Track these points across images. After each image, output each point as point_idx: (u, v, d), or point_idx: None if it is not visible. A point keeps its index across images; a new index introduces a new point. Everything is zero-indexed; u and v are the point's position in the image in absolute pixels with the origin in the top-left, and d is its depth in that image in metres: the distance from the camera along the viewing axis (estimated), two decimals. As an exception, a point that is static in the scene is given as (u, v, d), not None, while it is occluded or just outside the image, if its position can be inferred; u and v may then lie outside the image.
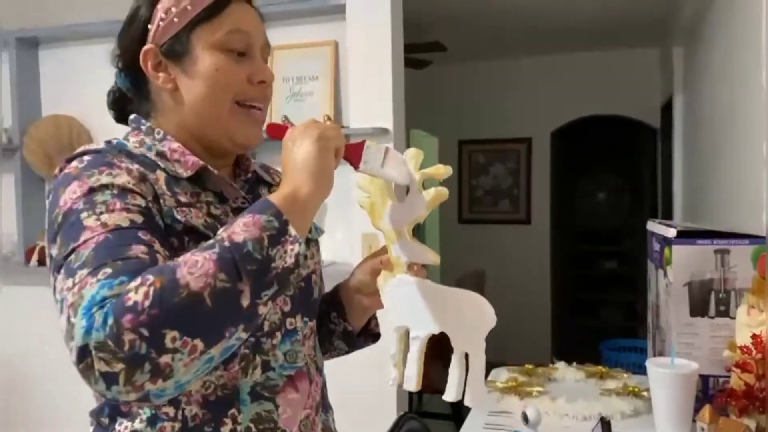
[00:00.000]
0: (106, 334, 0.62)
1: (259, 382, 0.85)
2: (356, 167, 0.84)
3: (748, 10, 1.82)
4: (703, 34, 2.79)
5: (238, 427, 0.83)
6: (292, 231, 0.72)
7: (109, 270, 0.67)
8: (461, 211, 5.43)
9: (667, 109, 4.14)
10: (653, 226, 1.63)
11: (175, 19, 0.86)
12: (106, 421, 0.86)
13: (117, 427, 0.84)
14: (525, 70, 5.22)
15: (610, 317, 6.08)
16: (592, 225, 6.37)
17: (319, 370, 0.98)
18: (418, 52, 3.75)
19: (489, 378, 1.67)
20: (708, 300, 1.39)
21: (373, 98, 2.37)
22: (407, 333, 0.83)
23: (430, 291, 0.80)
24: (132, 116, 0.92)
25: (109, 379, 0.62)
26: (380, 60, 2.37)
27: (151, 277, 0.65)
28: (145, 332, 0.62)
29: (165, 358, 0.63)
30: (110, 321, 0.62)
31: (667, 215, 4.13)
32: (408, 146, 0.98)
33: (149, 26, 0.88)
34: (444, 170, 0.82)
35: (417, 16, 2.59)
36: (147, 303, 0.63)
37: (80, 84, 2.86)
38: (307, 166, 0.77)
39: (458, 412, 3.54)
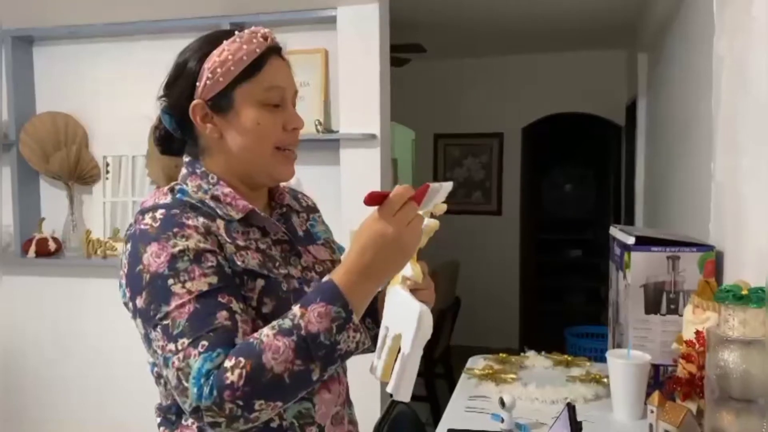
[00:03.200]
0: (212, 402, 0.83)
1: None
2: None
3: (702, 34, 1.98)
4: (665, 45, 2.96)
5: (284, 423, 1.00)
6: (355, 320, 0.88)
7: (205, 342, 0.85)
8: (436, 202, 5.58)
9: (631, 109, 4.29)
10: (615, 232, 1.81)
11: (221, 79, 0.98)
12: (173, 417, 1.01)
13: (183, 422, 1.00)
14: (498, 68, 5.36)
15: (575, 303, 6.33)
16: (559, 215, 6.59)
17: (345, 372, 1.14)
18: (398, 52, 3.88)
19: (467, 365, 1.83)
20: (660, 300, 1.58)
21: (361, 105, 2.51)
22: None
23: (402, 299, 0.95)
24: (187, 159, 1.06)
25: (215, 425, 0.86)
26: (369, 69, 2.50)
27: (242, 360, 0.84)
28: (240, 403, 0.83)
29: (255, 415, 0.85)
30: (215, 393, 0.83)
31: (630, 207, 4.33)
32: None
33: (197, 83, 0.99)
34: (442, 208, 0.97)
35: (397, 18, 2.73)
36: (241, 383, 0.83)
37: (74, 82, 2.93)
38: (387, 270, 0.92)
39: (433, 394, 3.72)
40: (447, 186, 0.93)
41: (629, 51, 4.66)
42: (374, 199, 0.89)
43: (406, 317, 0.90)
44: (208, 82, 0.98)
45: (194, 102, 1.00)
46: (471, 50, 5.16)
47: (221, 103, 0.99)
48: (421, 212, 0.92)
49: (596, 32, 4.49)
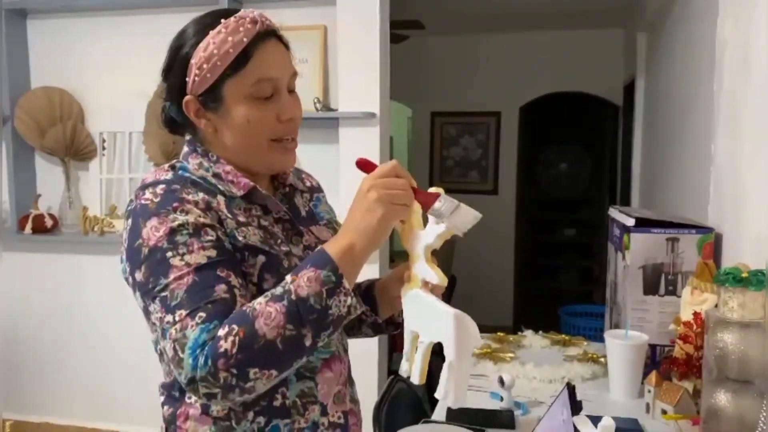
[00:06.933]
0: (207, 372, 0.83)
1: (302, 365, 0.99)
2: (425, 211, 0.96)
3: (704, 16, 1.98)
4: (665, 26, 2.95)
5: (287, 401, 1.00)
6: (346, 284, 0.89)
7: (203, 314, 0.86)
8: (432, 181, 5.58)
9: (629, 89, 4.28)
10: (615, 213, 1.82)
11: (208, 75, 0.96)
12: (176, 394, 1.02)
13: (187, 399, 1.00)
14: (497, 46, 5.32)
15: (568, 281, 6.39)
16: (555, 194, 6.61)
17: (346, 351, 1.15)
18: (397, 28, 3.85)
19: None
20: (659, 281, 1.60)
21: (361, 83, 2.48)
22: (417, 336, 0.98)
23: (435, 307, 0.94)
24: (188, 137, 1.05)
25: (210, 396, 0.86)
26: (368, 46, 2.47)
27: (235, 327, 0.84)
28: (234, 371, 0.84)
29: (249, 384, 0.85)
30: (209, 363, 0.83)
31: (626, 187, 4.34)
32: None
33: (187, 78, 0.98)
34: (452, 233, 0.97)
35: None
36: (234, 350, 0.83)
37: (69, 56, 2.90)
38: (371, 226, 0.91)
39: (428, 370, 3.75)
40: (468, 211, 0.93)
41: (628, 30, 4.63)
42: (365, 165, 0.96)
43: (441, 324, 0.90)
44: (196, 78, 0.97)
45: (186, 98, 0.99)
46: (469, 28, 5.11)
47: (211, 99, 0.98)
48: (437, 216, 0.94)
49: (595, 11, 4.46)
